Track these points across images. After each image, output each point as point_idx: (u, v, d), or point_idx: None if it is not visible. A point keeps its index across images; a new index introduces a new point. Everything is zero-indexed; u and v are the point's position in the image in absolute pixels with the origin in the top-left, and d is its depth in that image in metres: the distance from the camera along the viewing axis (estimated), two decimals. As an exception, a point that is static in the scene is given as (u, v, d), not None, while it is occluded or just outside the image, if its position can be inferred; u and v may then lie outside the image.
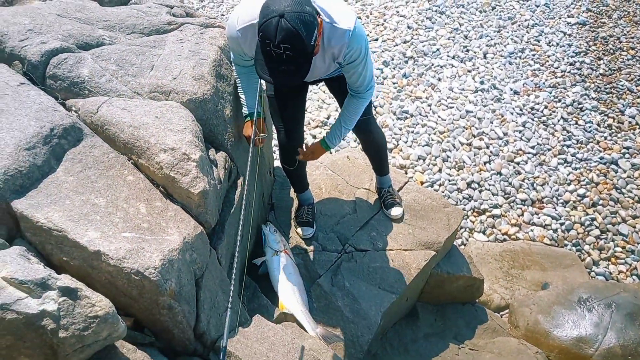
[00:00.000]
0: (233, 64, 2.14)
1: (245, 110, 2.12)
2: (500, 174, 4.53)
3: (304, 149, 2.21)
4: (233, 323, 1.84)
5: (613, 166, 4.45)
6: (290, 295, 2.21)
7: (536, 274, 3.90)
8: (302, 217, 2.48)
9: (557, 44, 5.51)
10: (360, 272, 2.37)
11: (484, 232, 4.28)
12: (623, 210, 4.16)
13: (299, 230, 2.47)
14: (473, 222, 4.34)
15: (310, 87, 2.19)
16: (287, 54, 1.48)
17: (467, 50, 5.43)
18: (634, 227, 4.07)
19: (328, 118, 4.83)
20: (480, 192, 4.47)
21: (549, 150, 4.60)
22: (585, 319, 3.41)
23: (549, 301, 3.57)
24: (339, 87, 2.15)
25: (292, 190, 2.62)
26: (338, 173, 2.72)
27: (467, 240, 4.24)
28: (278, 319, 2.14)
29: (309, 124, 4.77)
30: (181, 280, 1.58)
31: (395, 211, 2.56)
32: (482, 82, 5.11)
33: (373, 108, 2.33)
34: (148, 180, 1.80)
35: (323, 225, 2.53)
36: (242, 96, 2.13)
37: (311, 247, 2.44)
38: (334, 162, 2.79)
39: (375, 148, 2.47)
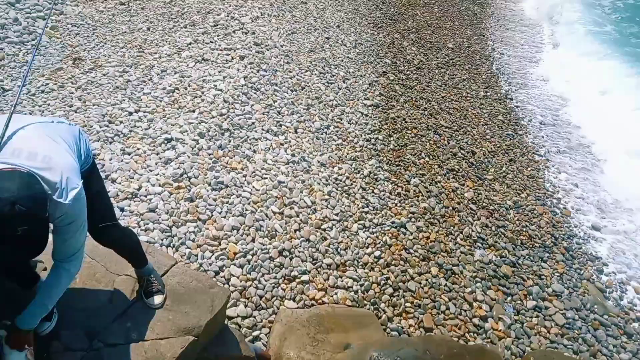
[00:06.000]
0: None
1: None
2: (308, 240, 4.79)
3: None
4: None
5: (402, 229, 5.07)
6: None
7: (339, 336, 4.09)
8: None
9: (356, 122, 6.28)
10: (107, 371, 2.14)
11: (294, 299, 4.39)
12: (411, 268, 4.72)
13: None
14: (284, 290, 4.44)
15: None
16: (23, 233, 1.45)
17: (280, 125, 5.82)
18: (420, 283, 4.63)
19: (139, 189, 4.60)
20: (290, 259, 4.64)
21: (350, 216, 5.05)
22: (376, 377, 3.65)
23: (348, 363, 3.75)
24: None
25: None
26: (98, 260, 2.48)
27: (278, 308, 4.30)
28: None
29: (117, 195, 4.48)
30: None
31: (156, 299, 2.43)
32: (293, 155, 5.48)
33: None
34: None
35: (71, 321, 2.25)
36: None
37: (52, 349, 2.13)
38: (95, 248, 2.45)
39: (128, 250, 2.37)
